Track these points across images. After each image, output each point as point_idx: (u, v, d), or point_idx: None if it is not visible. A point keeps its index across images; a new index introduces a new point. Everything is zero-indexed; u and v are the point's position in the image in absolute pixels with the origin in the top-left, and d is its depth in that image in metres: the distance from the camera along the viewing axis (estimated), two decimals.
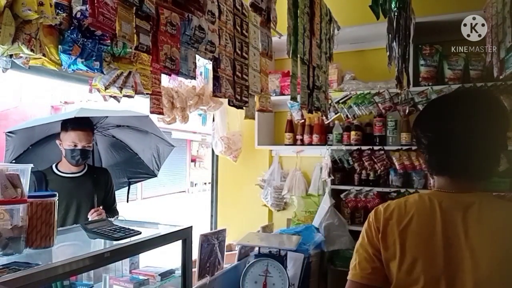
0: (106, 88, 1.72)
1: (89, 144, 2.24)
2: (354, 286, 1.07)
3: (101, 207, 2.28)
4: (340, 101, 2.92)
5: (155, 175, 2.93)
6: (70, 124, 2.19)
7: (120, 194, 2.71)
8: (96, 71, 1.39)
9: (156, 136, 2.75)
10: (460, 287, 0.96)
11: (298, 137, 3.20)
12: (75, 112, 2.19)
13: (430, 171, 1.12)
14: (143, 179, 2.99)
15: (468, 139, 1.02)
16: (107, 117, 2.48)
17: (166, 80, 2.78)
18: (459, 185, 1.05)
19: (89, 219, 2.14)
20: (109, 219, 1.74)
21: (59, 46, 1.29)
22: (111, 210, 2.42)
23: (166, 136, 2.88)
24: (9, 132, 2.33)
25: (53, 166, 2.28)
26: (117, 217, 2.07)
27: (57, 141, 2.26)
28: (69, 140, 2.19)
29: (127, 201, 2.85)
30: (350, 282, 1.09)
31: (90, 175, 2.35)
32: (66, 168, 2.27)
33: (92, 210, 2.20)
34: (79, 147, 2.19)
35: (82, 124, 2.21)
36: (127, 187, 2.89)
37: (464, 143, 1.03)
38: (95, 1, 1.05)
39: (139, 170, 2.87)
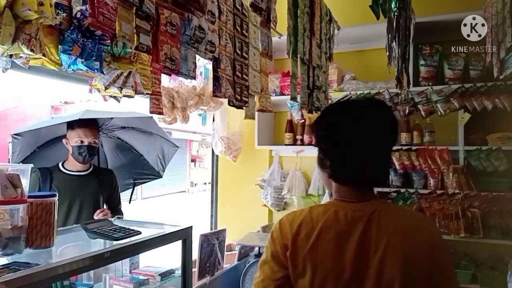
0: (106, 88, 1.72)
1: (95, 140, 2.27)
2: None
3: (106, 208, 2.30)
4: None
5: (160, 176, 2.93)
6: (76, 121, 2.21)
7: (122, 195, 2.72)
8: (96, 71, 1.39)
9: (161, 137, 2.76)
10: None
11: (298, 137, 3.20)
12: (80, 113, 2.20)
13: (334, 178, 1.08)
14: (149, 180, 2.98)
15: (371, 149, 1.03)
16: (112, 118, 2.49)
17: (166, 80, 2.78)
18: (361, 193, 1.05)
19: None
20: (109, 219, 1.74)
21: (59, 46, 1.29)
22: (116, 210, 2.43)
23: (170, 137, 2.88)
24: (15, 134, 2.34)
25: (59, 164, 2.30)
26: (117, 217, 2.07)
27: (64, 140, 2.28)
28: (76, 137, 2.21)
29: (130, 202, 2.86)
30: None
31: (96, 175, 2.36)
32: (72, 167, 2.29)
33: (98, 211, 2.21)
34: (86, 143, 2.22)
35: (88, 121, 2.24)
36: (131, 188, 2.89)
37: (369, 153, 1.03)
38: (95, 1, 1.05)
39: (144, 171, 2.87)
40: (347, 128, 1.04)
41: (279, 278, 1.03)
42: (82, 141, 2.22)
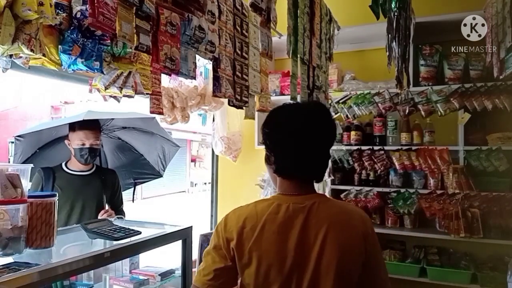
0: (106, 88, 1.72)
1: (97, 142, 2.27)
2: None
3: (109, 208, 2.30)
4: (340, 101, 2.92)
5: (161, 176, 2.93)
6: (77, 123, 2.21)
7: (123, 195, 2.72)
8: (96, 71, 1.39)
9: (162, 137, 2.76)
10: (306, 282, 1.06)
11: None
12: (83, 114, 2.21)
13: (278, 172, 1.18)
14: (149, 180, 2.99)
15: (311, 147, 1.13)
16: (113, 119, 2.49)
17: (166, 80, 2.78)
18: (302, 187, 1.15)
19: None
20: (109, 219, 1.74)
21: (59, 46, 1.29)
22: (118, 211, 2.42)
23: (171, 137, 2.87)
24: (18, 136, 2.35)
25: (63, 164, 2.31)
26: (118, 217, 2.07)
27: (66, 141, 2.29)
28: (78, 139, 2.22)
29: (133, 201, 2.86)
30: (193, 286, 1.14)
31: (98, 175, 2.36)
32: (75, 166, 2.30)
33: (102, 211, 2.21)
34: (87, 145, 2.22)
35: (89, 123, 2.23)
36: (132, 188, 2.89)
37: (309, 150, 1.13)
38: (95, 1, 1.05)
39: (144, 171, 2.87)
40: (289, 127, 1.14)
41: (218, 268, 1.12)
42: (83, 143, 2.22)
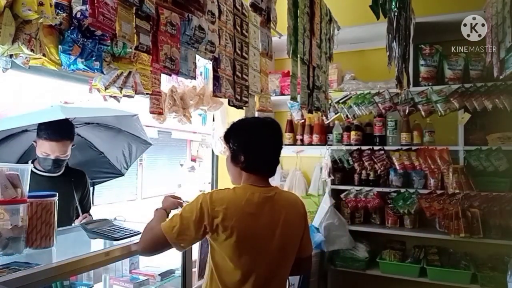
0: (106, 88, 1.72)
1: (64, 154, 2.03)
2: (163, 239, 1.38)
3: (87, 214, 2.16)
4: (340, 101, 2.92)
5: (122, 174, 2.75)
6: (44, 132, 1.97)
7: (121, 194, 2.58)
8: (96, 71, 1.38)
9: (130, 134, 2.56)
10: (272, 251, 1.44)
11: (298, 137, 3.20)
12: (50, 112, 1.98)
13: (249, 170, 1.48)
14: (107, 179, 2.78)
15: (273, 152, 1.53)
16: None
17: (173, 81, 2.73)
18: (264, 181, 1.50)
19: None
20: (108, 219, 1.74)
21: (59, 46, 1.28)
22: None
23: (144, 135, 2.67)
24: None
25: (29, 163, 2.05)
26: (116, 217, 2.04)
27: (34, 142, 2.06)
28: (43, 149, 1.99)
29: (92, 204, 2.47)
30: (162, 234, 1.38)
31: (68, 176, 2.17)
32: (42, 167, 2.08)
33: (80, 217, 2.09)
34: (52, 157, 2.00)
35: (58, 134, 1.98)
36: (92, 188, 2.57)
37: (272, 151, 1.53)
38: (95, 1, 1.05)
39: (103, 169, 2.67)
40: (266, 134, 1.51)
41: (189, 234, 1.37)
42: (48, 154, 2.00)
